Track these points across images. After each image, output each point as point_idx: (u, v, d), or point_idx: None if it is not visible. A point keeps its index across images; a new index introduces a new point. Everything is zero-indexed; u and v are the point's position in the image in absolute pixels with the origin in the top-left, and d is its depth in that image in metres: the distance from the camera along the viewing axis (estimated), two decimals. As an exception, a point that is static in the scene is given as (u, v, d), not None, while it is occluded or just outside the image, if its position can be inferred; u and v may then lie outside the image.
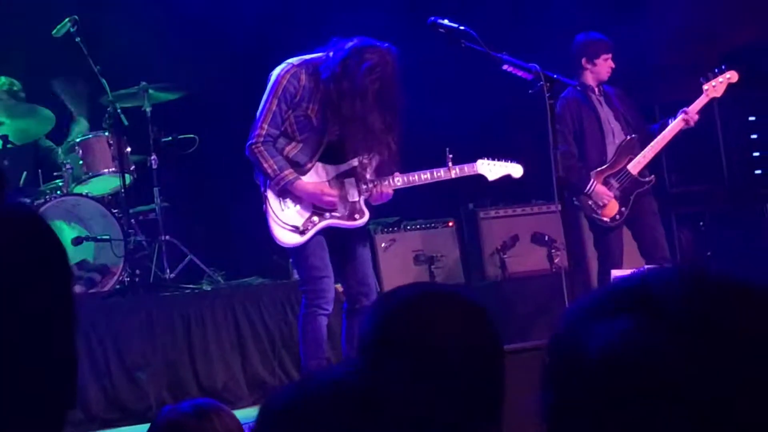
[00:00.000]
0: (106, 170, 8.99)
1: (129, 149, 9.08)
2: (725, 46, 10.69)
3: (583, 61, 8.76)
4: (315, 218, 6.85)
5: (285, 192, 6.78)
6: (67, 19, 8.88)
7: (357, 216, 6.97)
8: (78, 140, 8.98)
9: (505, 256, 9.90)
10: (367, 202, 7.01)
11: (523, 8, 10.62)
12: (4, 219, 1.44)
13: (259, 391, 8.19)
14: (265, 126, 6.74)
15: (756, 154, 10.82)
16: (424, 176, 7.08)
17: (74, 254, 8.83)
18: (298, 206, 6.83)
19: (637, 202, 8.71)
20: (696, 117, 8.62)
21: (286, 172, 6.73)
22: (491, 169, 7.42)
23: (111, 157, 8.99)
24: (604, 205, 8.63)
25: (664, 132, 8.67)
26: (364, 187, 6.96)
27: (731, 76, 8.68)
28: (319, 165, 6.87)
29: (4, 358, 1.39)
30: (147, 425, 3.39)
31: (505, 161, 7.48)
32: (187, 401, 3.47)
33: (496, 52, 6.60)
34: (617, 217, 8.66)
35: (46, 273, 1.45)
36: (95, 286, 8.69)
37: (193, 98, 9.51)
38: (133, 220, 9.12)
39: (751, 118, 10.77)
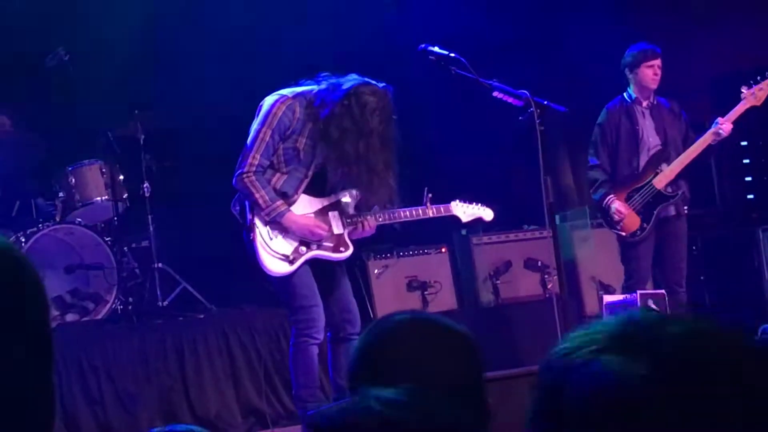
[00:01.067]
0: (99, 198, 9.00)
1: (122, 177, 9.09)
2: (714, 69, 10.73)
3: (627, 71, 8.71)
4: (302, 248, 6.85)
5: (274, 222, 6.78)
6: (60, 48, 8.89)
7: (342, 249, 6.97)
8: (70, 168, 8.98)
9: (498, 281, 9.90)
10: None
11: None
12: None
13: (251, 419, 8.18)
14: (257, 156, 6.72)
15: (748, 178, 10.84)
16: (404, 214, 7.08)
17: (67, 282, 8.84)
18: (285, 236, 6.83)
19: (665, 221, 8.64)
20: (730, 127, 8.44)
21: (278, 203, 6.73)
22: (465, 210, 7.44)
23: (104, 185, 9.00)
24: (620, 221, 8.57)
25: (694, 145, 8.56)
26: (348, 220, 6.97)
27: (764, 89, 8.51)
28: (304, 197, 6.88)
29: None
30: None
31: (477, 204, 7.51)
32: (179, 426, 3.46)
33: (485, 79, 6.62)
34: (638, 232, 8.58)
35: (18, 309, 1.45)
36: (88, 314, 8.69)
37: (187, 126, 9.53)
38: (125, 248, 9.12)
39: (743, 143, 10.80)
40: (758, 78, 8.56)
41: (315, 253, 6.87)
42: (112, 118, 9.10)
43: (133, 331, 8.44)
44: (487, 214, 7.55)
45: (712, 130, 8.47)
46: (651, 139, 8.69)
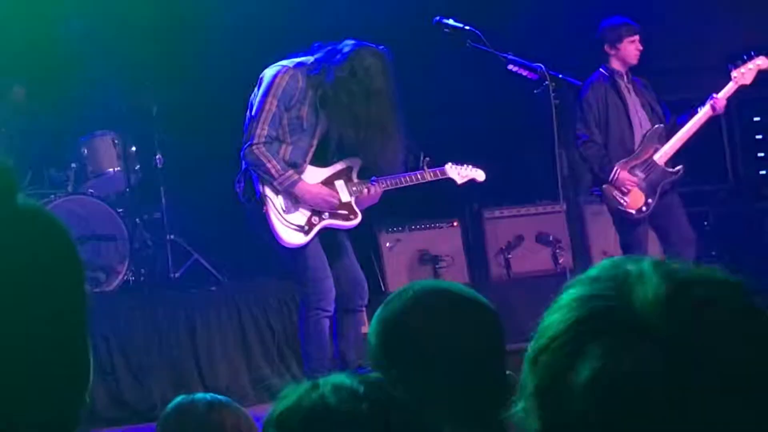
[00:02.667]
0: (111, 169, 9.00)
1: (134, 148, 9.09)
2: (727, 45, 10.69)
3: (606, 47, 8.54)
4: (315, 218, 6.84)
5: (285, 192, 6.76)
6: (74, 20, 8.89)
7: (352, 216, 6.97)
8: (83, 139, 8.98)
9: (510, 256, 9.89)
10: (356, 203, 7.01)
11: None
12: (17, 219, 1.44)
13: (263, 391, 8.19)
14: (266, 126, 6.69)
15: (761, 154, 10.81)
16: (405, 179, 7.05)
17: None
18: (298, 206, 6.82)
19: (663, 195, 8.55)
20: (723, 103, 8.42)
21: (290, 172, 6.71)
22: (459, 172, 7.39)
23: (116, 156, 9.00)
24: (628, 193, 8.44)
25: (692, 121, 8.47)
26: (354, 188, 6.95)
27: (762, 62, 8.49)
28: (310, 167, 6.86)
29: (18, 358, 1.39)
30: (151, 424, 3.41)
31: (469, 166, 7.45)
32: (201, 393, 3.51)
33: (501, 51, 6.60)
34: (644, 208, 8.47)
35: (60, 273, 1.45)
36: (100, 286, 8.70)
37: (200, 97, 9.52)
38: (138, 220, 9.12)
39: (756, 119, 10.77)
40: (744, 57, 8.56)
41: (328, 222, 6.87)
42: (125, 89, 9.09)
43: (145, 302, 8.45)
44: (479, 174, 7.49)
45: (710, 104, 8.44)
46: (640, 114, 8.62)
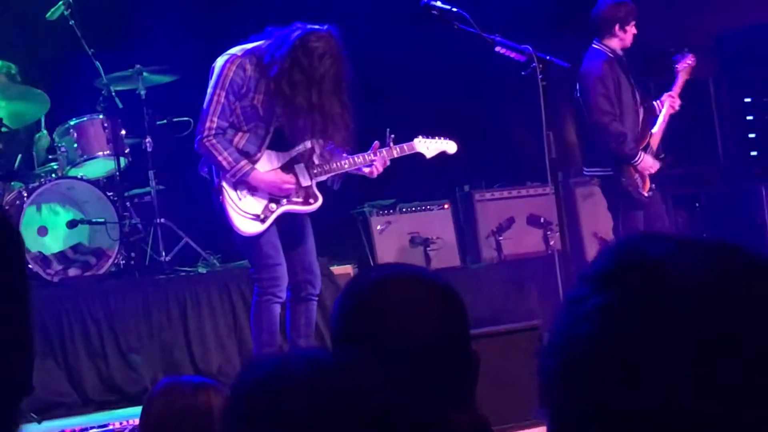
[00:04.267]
0: (101, 153, 8.98)
1: (124, 132, 9.08)
2: (719, 27, 10.69)
3: (616, 27, 8.41)
4: (272, 205, 6.83)
5: (241, 182, 6.76)
6: (60, 2, 8.86)
7: (312, 200, 6.96)
8: (72, 123, 8.97)
9: (501, 238, 9.91)
10: (319, 186, 7.00)
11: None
12: None
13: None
14: (215, 119, 6.69)
15: (752, 135, 10.82)
16: (369, 157, 7.02)
17: (69, 237, 8.84)
18: (253, 195, 6.81)
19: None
20: (678, 101, 8.55)
21: (242, 163, 6.71)
22: (428, 146, 7.34)
23: (106, 140, 8.99)
24: (647, 177, 8.44)
25: (660, 119, 8.53)
26: (314, 171, 6.95)
27: (692, 61, 8.64)
28: (268, 153, 6.85)
29: None
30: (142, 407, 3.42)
31: (440, 138, 7.41)
32: (187, 376, 3.51)
33: (488, 33, 6.59)
34: (650, 191, 8.50)
35: None
36: (90, 269, 8.70)
37: (188, 81, 9.50)
38: (128, 203, 9.12)
39: (747, 100, 10.77)
40: (684, 50, 8.71)
41: (285, 208, 6.87)
42: (113, 72, 9.07)
43: (136, 285, 8.46)
44: (451, 146, 7.45)
45: (668, 104, 8.53)
46: (639, 97, 8.62)
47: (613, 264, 1.30)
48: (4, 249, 1.46)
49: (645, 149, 8.44)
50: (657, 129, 8.53)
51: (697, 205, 10.66)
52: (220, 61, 6.76)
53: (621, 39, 8.47)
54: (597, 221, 9.89)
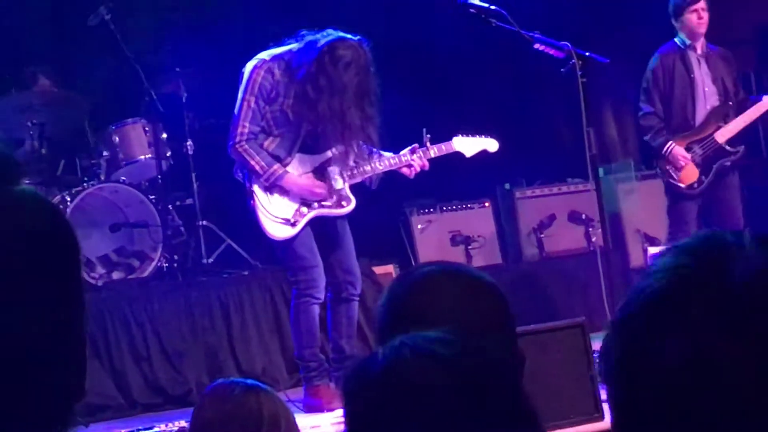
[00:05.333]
0: (142, 157, 9.03)
1: (165, 135, 9.12)
2: (759, 20, 10.61)
3: (673, 20, 8.50)
4: (304, 209, 6.85)
5: (273, 186, 6.78)
6: (101, 7, 8.91)
7: (344, 203, 6.97)
8: (114, 127, 9.02)
9: (542, 235, 9.88)
10: (359, 186, 7.01)
11: None
12: (13, 206, 1.45)
13: (298, 374, 8.21)
14: (246, 124, 6.73)
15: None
16: (406, 158, 7.02)
17: (112, 241, 8.90)
18: (285, 198, 6.82)
19: (721, 173, 8.49)
20: None
21: (275, 167, 6.74)
22: (468, 144, 7.32)
23: (147, 144, 9.03)
24: (681, 168, 8.40)
25: (756, 107, 8.44)
26: (348, 173, 6.95)
27: None
28: (300, 156, 6.87)
29: (10, 348, 1.39)
30: (187, 409, 3.44)
31: (480, 136, 7.39)
32: (239, 378, 3.54)
33: (527, 31, 6.57)
34: (695, 185, 8.42)
35: (53, 261, 1.46)
36: (134, 272, 8.75)
37: (229, 84, 9.53)
38: (170, 206, 9.16)
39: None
40: None
41: (317, 212, 6.88)
42: (154, 76, 9.11)
43: (179, 288, 8.49)
44: (491, 144, 7.42)
45: None
46: (708, 89, 8.50)
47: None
48: (64, 251, 1.48)
49: (700, 142, 8.40)
50: (740, 119, 8.44)
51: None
52: (249, 67, 6.80)
53: (684, 30, 8.50)
54: (639, 217, 9.85)
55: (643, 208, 9.77)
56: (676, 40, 8.52)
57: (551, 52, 6.56)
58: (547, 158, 10.39)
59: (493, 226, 9.93)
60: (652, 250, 8.36)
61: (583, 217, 9.84)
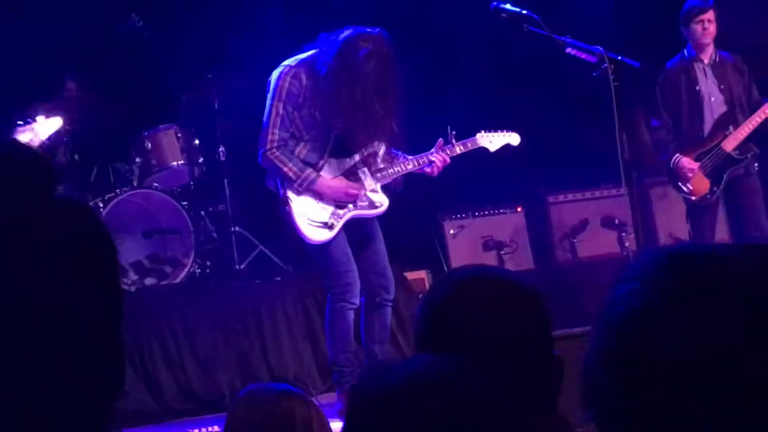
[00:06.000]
0: (175, 163, 9.06)
1: (197, 141, 9.14)
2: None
3: (682, 29, 8.56)
4: (339, 211, 6.84)
5: (307, 191, 6.78)
6: (132, 14, 8.94)
7: (378, 204, 6.96)
8: (146, 134, 9.05)
9: (575, 240, 9.86)
10: (384, 189, 7.00)
11: None
12: (54, 211, 1.46)
13: (330, 379, 8.22)
14: (276, 131, 6.73)
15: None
16: (430, 157, 7.01)
17: (145, 247, 8.93)
18: (320, 203, 6.82)
19: (735, 181, 8.48)
20: None
21: (307, 171, 6.74)
22: (491, 140, 7.30)
23: (180, 150, 9.06)
24: (688, 180, 8.42)
25: (763, 107, 8.43)
26: (378, 174, 6.95)
27: None
28: (331, 160, 6.87)
29: (53, 348, 1.41)
30: (220, 414, 3.45)
31: (503, 131, 7.37)
32: (273, 383, 3.55)
33: (559, 35, 6.55)
34: (708, 196, 8.43)
35: (94, 264, 1.47)
36: (166, 278, 8.78)
37: (262, 90, 9.55)
38: (202, 212, 9.18)
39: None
40: None
41: (352, 213, 6.87)
42: (186, 82, 9.14)
43: (211, 294, 8.51)
44: (514, 138, 7.40)
45: None
46: (714, 99, 8.53)
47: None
48: (103, 253, 1.50)
49: (707, 153, 8.41)
50: (745, 125, 8.41)
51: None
52: (275, 74, 6.81)
53: (691, 40, 8.56)
54: (672, 221, 9.80)
55: (677, 213, 9.72)
56: (684, 51, 8.57)
57: (583, 56, 6.53)
58: (579, 163, 10.35)
59: (526, 232, 9.91)
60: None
61: (616, 222, 9.81)
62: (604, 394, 1.31)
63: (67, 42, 9.15)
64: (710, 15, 8.44)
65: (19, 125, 8.22)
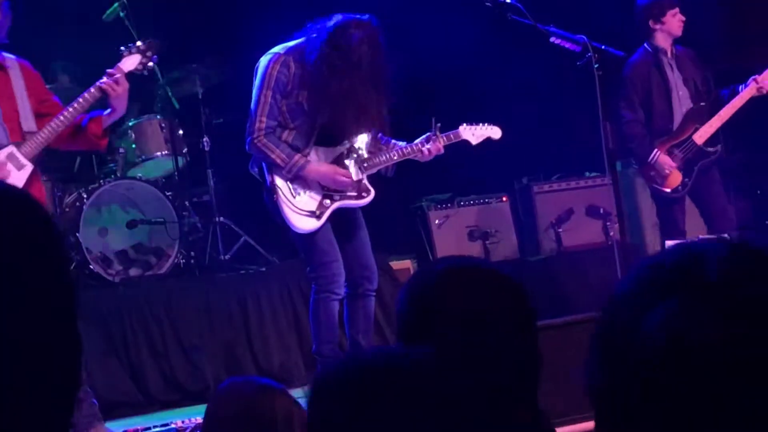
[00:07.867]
0: (159, 153, 9.04)
1: (181, 132, 9.12)
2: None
3: (651, 23, 8.52)
4: (327, 201, 6.81)
5: (295, 178, 6.76)
6: (116, 4, 8.90)
7: (364, 194, 6.94)
8: (130, 124, 9.03)
9: (560, 229, 9.86)
10: (376, 180, 6.99)
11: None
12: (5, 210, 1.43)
13: (315, 370, 8.21)
14: (264, 119, 6.69)
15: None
16: (419, 147, 7.00)
17: (129, 237, 8.90)
18: (308, 191, 6.79)
19: (702, 172, 8.53)
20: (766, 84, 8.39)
21: (296, 157, 6.70)
22: (474, 132, 7.28)
23: (164, 140, 9.04)
24: (667, 176, 8.47)
25: (733, 100, 8.42)
26: (364, 165, 6.93)
27: None
28: (316, 149, 6.85)
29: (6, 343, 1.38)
30: (205, 406, 3.43)
31: (484, 125, 7.35)
32: (253, 376, 3.53)
33: (542, 24, 6.55)
34: (680, 188, 8.49)
35: (36, 252, 1.44)
36: (151, 269, 8.76)
37: (245, 79, 9.53)
38: (186, 203, 9.16)
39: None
40: None
41: (340, 203, 6.85)
42: (170, 72, 9.11)
43: (196, 284, 8.50)
44: (495, 132, 7.38)
45: (752, 85, 8.36)
46: (681, 92, 8.57)
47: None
48: (52, 253, 1.47)
49: (680, 146, 8.44)
50: (715, 119, 8.47)
51: (758, 192, 10.54)
52: (263, 61, 6.77)
53: (662, 32, 8.55)
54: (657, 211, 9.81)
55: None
56: (646, 46, 8.54)
57: (567, 45, 6.54)
58: (564, 152, 10.37)
59: (511, 221, 9.91)
60: (670, 243, 8.33)
61: (601, 211, 9.82)
62: (601, 392, 1.32)
63: (58, 31, 9.13)
64: (679, 6, 8.49)
65: None
